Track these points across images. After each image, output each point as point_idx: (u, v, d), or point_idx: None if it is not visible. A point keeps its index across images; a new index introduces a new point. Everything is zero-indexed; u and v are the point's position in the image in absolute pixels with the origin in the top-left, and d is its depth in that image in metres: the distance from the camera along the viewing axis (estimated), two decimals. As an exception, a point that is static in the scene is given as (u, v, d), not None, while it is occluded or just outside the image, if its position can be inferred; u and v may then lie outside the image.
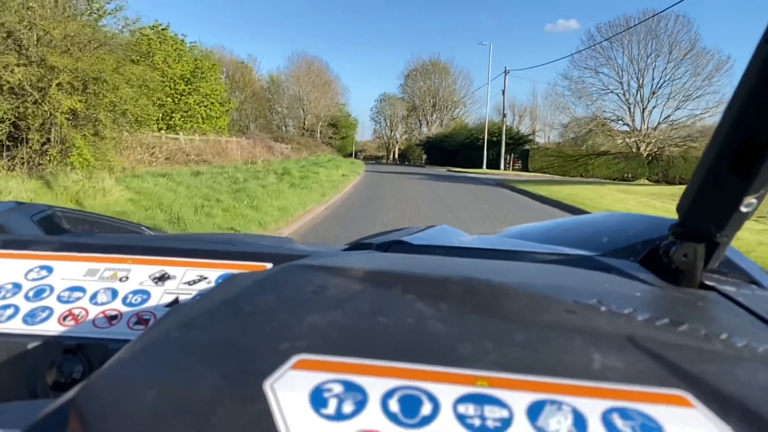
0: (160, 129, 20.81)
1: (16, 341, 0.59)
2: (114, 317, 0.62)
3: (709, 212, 0.45)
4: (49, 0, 9.26)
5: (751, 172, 0.40)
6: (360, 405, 0.28)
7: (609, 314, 0.38)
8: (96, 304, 0.64)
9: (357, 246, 0.77)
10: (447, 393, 0.28)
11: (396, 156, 68.98)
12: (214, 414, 0.26)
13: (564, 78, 43.27)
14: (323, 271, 0.46)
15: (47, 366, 0.58)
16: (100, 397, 0.29)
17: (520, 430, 0.27)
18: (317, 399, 0.28)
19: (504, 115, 42.42)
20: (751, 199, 0.42)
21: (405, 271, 0.46)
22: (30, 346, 0.58)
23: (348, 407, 0.27)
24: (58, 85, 9.00)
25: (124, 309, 0.63)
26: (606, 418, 0.27)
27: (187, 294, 0.65)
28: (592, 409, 0.27)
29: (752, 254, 6.19)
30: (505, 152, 40.56)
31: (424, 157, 59.22)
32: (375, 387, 0.29)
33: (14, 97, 8.59)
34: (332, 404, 0.27)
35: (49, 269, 0.68)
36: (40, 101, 8.87)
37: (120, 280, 0.67)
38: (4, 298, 0.64)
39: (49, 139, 9.28)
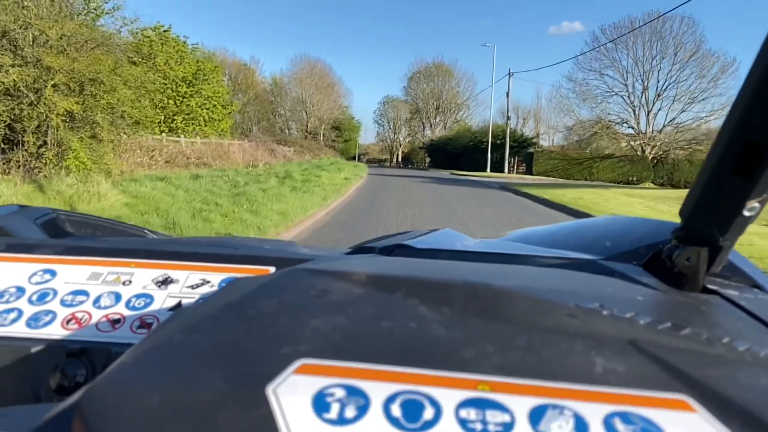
0: (161, 132, 20.70)
1: (20, 345, 0.59)
2: (117, 321, 0.62)
3: (712, 216, 0.46)
4: (45, -1, 9.09)
5: (755, 175, 0.40)
6: (362, 410, 0.28)
7: (611, 318, 0.38)
8: (99, 307, 0.63)
9: (360, 249, 0.77)
10: (449, 397, 0.28)
11: (399, 159, 68.87)
12: (217, 418, 0.27)
13: (568, 80, 43.08)
14: (326, 275, 0.46)
15: (50, 370, 0.58)
16: (104, 401, 0.29)
17: None
18: (320, 403, 0.28)
19: (508, 118, 42.22)
20: (754, 203, 0.42)
21: (408, 275, 0.47)
22: (33, 349, 0.59)
23: (350, 412, 0.27)
24: (53, 86, 8.83)
25: (127, 313, 0.63)
26: (608, 423, 0.27)
27: (190, 298, 0.65)
28: (594, 413, 0.28)
29: (767, 261, 5.97)
30: (509, 155, 40.32)
31: (428, 160, 59.08)
32: (377, 391, 0.29)
33: (9, 98, 8.42)
34: (334, 409, 0.28)
35: (53, 273, 0.68)
36: (35, 103, 8.69)
37: (123, 283, 0.67)
38: (7, 301, 0.63)
39: (45, 142, 9.11)
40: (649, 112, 38.51)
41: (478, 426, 0.27)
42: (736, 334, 0.37)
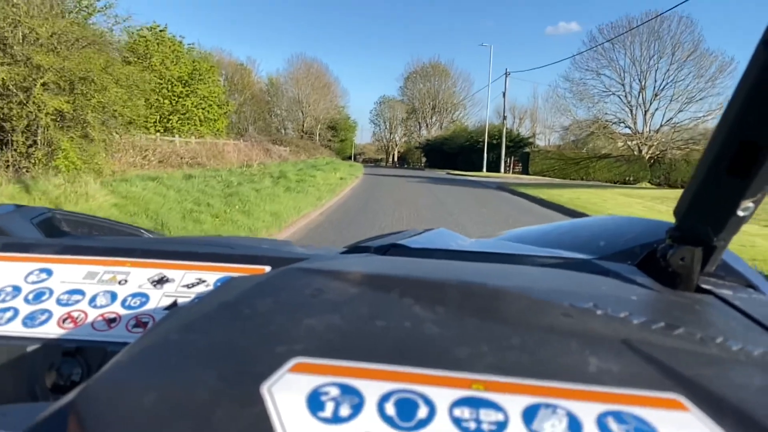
0: (157, 131, 20.56)
1: (16, 344, 0.59)
2: (113, 320, 0.62)
3: (707, 216, 0.46)
4: (34, -3, 8.94)
5: (749, 175, 0.41)
6: (357, 408, 0.28)
7: (605, 318, 0.38)
8: (95, 307, 0.64)
9: (355, 249, 0.77)
10: (443, 396, 0.29)
11: (395, 159, 68.77)
12: (212, 417, 0.27)
13: (565, 80, 42.95)
14: (321, 274, 0.46)
15: (46, 368, 0.58)
16: (99, 400, 0.29)
17: None
18: (314, 402, 0.28)
19: (504, 118, 42.13)
20: (748, 203, 0.42)
21: (402, 274, 0.47)
22: (29, 348, 0.59)
23: (345, 410, 0.27)
24: (43, 84, 8.69)
25: (122, 312, 0.63)
26: (601, 422, 0.27)
27: (185, 297, 0.65)
28: (587, 412, 0.28)
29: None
30: (506, 155, 40.25)
31: (424, 159, 59.01)
32: (371, 390, 0.29)
33: (-2, 97, 8.29)
34: (329, 407, 0.28)
35: (49, 272, 0.68)
36: (24, 102, 8.55)
37: (119, 283, 0.67)
38: (3, 300, 0.64)
39: (35, 142, 8.97)
40: (646, 111, 38.45)
41: (472, 425, 0.27)
42: (730, 334, 0.37)
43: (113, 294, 0.66)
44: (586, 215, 10.13)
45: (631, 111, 39.09)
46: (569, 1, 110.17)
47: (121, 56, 20.33)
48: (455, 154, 46.66)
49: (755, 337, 0.39)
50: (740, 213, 0.43)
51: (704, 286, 0.50)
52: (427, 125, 64.37)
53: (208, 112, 25.58)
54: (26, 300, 0.64)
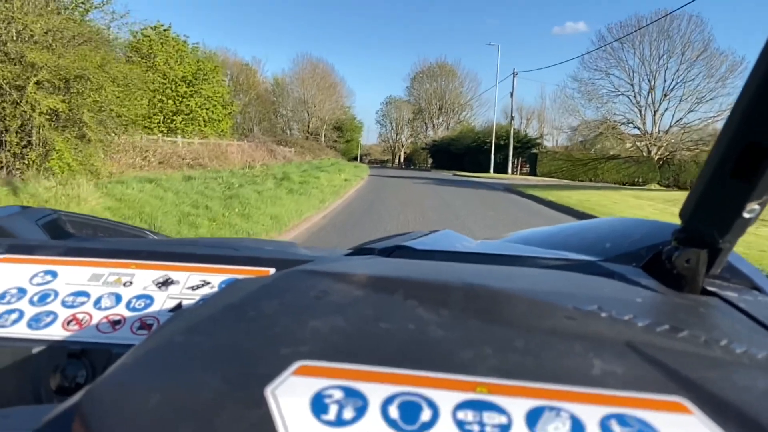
0: (160, 132, 20.39)
1: (21, 345, 0.59)
2: (118, 322, 0.63)
3: (712, 218, 0.46)
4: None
5: (755, 177, 0.41)
6: (360, 411, 0.28)
7: (609, 320, 0.39)
8: (100, 308, 0.64)
9: (360, 251, 0.77)
10: (446, 399, 0.29)
11: (401, 160, 68.52)
12: (216, 419, 0.27)
13: (574, 80, 42.56)
14: (326, 276, 0.47)
15: (51, 370, 0.58)
16: (104, 402, 0.29)
17: None
18: (318, 405, 0.28)
19: (512, 118, 41.78)
20: (754, 205, 0.42)
21: (407, 276, 0.48)
22: (34, 350, 0.59)
23: (348, 413, 0.28)
24: (37, 83, 8.42)
25: (127, 314, 0.64)
26: (604, 425, 0.27)
27: (190, 299, 0.66)
28: (591, 415, 0.28)
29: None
30: (513, 156, 39.90)
31: (430, 160, 58.70)
32: (375, 393, 0.29)
33: (-10, 96, 8.02)
34: (333, 410, 0.28)
35: (54, 274, 0.68)
36: (18, 101, 8.29)
37: (124, 285, 0.68)
38: (9, 302, 0.64)
39: (30, 142, 8.70)
40: (655, 112, 37.97)
41: (476, 428, 0.27)
42: (734, 337, 0.37)
43: (118, 296, 0.66)
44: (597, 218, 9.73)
45: (640, 111, 38.65)
46: (576, 1, 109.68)
47: (125, 55, 20.37)
48: (462, 155, 46.34)
49: (760, 339, 0.39)
50: (746, 215, 0.43)
51: (709, 288, 0.49)
52: (433, 126, 64.09)
53: (212, 112, 25.44)
54: (31, 302, 0.64)
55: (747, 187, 0.41)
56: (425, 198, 14.83)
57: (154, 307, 0.65)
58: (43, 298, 0.65)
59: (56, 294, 0.66)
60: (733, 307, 0.46)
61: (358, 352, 0.33)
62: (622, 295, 0.46)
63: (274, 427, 0.26)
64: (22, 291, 0.66)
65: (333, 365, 0.31)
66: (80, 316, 0.63)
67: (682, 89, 36.84)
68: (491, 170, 38.85)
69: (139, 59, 21.73)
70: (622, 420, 0.27)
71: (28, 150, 8.69)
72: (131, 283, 0.68)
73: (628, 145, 39.45)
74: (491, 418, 0.27)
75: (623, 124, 39.61)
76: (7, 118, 8.23)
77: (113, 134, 10.64)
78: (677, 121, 37.31)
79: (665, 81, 37.45)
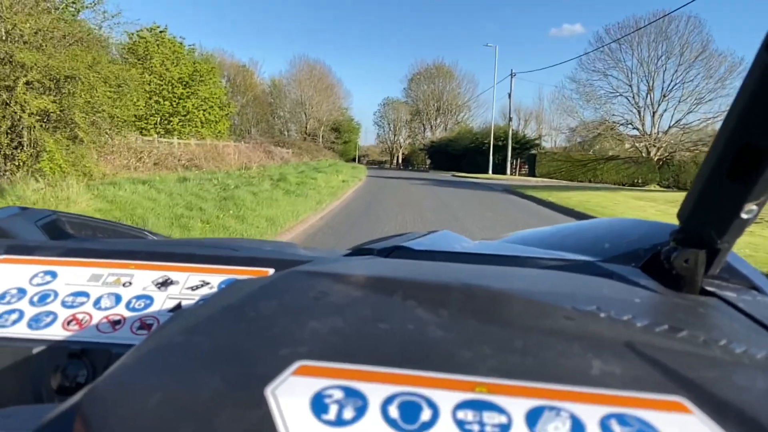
0: (157, 133, 20.24)
1: (21, 346, 0.60)
2: (117, 322, 0.63)
3: (710, 218, 0.46)
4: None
5: (752, 178, 0.41)
6: (360, 411, 0.28)
7: (608, 320, 0.39)
8: (100, 309, 0.64)
9: (359, 251, 0.77)
10: (446, 399, 0.29)
11: (400, 161, 68.39)
12: (216, 419, 0.27)
13: (572, 81, 42.51)
14: (325, 277, 0.47)
15: (52, 370, 0.58)
16: (104, 402, 0.30)
17: None
18: (318, 405, 0.28)
19: (510, 119, 41.66)
20: (751, 206, 0.43)
21: (406, 277, 0.48)
22: (35, 350, 0.60)
23: (348, 413, 0.28)
24: (27, 83, 8.23)
25: (127, 314, 0.64)
26: (604, 424, 0.27)
27: (189, 299, 0.66)
28: (591, 415, 0.28)
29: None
30: (512, 157, 39.76)
31: (428, 161, 58.57)
32: (375, 393, 0.29)
33: (-22, 97, 7.84)
34: (333, 410, 0.28)
35: (54, 274, 0.69)
36: (7, 102, 8.11)
37: (123, 285, 0.68)
38: (9, 303, 0.64)
39: (21, 144, 8.52)
40: (654, 113, 37.85)
41: (475, 427, 0.27)
42: (733, 336, 0.37)
43: (118, 296, 0.66)
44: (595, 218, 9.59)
45: (639, 112, 38.53)
46: (573, 4, 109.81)
47: (121, 57, 20.23)
48: (460, 156, 46.24)
49: (759, 339, 0.39)
50: (744, 216, 0.43)
51: (708, 289, 0.50)
52: (431, 127, 63.97)
53: (209, 113, 25.31)
54: (31, 302, 0.64)
55: (744, 188, 0.41)
56: (423, 199, 14.68)
57: (154, 308, 0.65)
58: (43, 298, 0.65)
59: (56, 294, 0.66)
60: (732, 307, 0.46)
61: (357, 353, 0.33)
62: (621, 296, 0.46)
63: (275, 427, 0.26)
64: (22, 291, 0.66)
65: (333, 365, 0.31)
66: (80, 316, 0.63)
67: (681, 90, 36.76)
68: (490, 171, 38.73)
69: (136, 61, 21.60)
70: (621, 420, 0.28)
71: (19, 151, 8.50)
72: (131, 283, 0.68)
73: (627, 145, 39.34)
74: (491, 418, 0.28)
75: (622, 125, 39.52)
76: (-3, 119, 8.05)
77: (106, 135, 10.44)
78: (676, 122, 37.20)
79: (664, 82, 37.37)
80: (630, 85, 38.46)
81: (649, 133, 38.06)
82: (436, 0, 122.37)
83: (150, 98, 22.03)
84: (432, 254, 0.71)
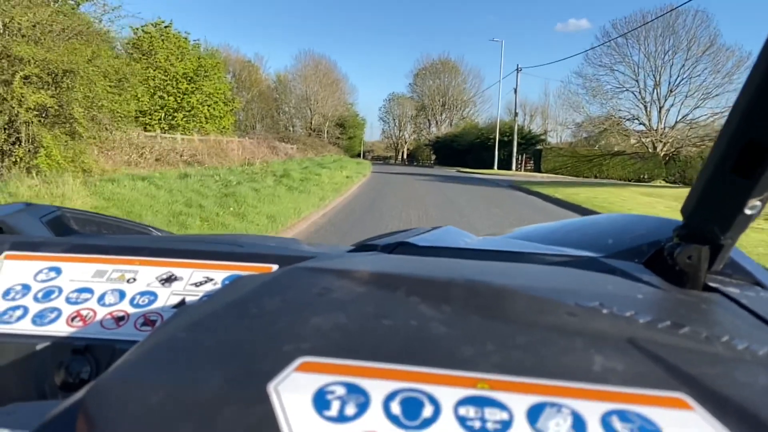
0: (161, 128, 20.14)
1: (26, 342, 0.60)
2: (121, 318, 0.63)
3: (714, 214, 0.46)
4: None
5: (756, 174, 0.41)
6: (362, 407, 0.28)
7: (611, 317, 0.39)
8: (104, 305, 0.65)
9: (362, 247, 0.77)
10: (448, 395, 0.29)
11: (404, 156, 68.16)
12: (219, 415, 0.27)
13: (578, 76, 42.30)
14: (328, 273, 0.47)
15: (56, 366, 0.59)
16: (108, 399, 0.30)
17: None
18: (320, 401, 0.28)
19: (516, 114, 41.39)
20: (755, 202, 0.43)
21: (409, 273, 0.48)
22: (39, 346, 0.60)
23: (350, 409, 0.28)
24: (24, 78, 8.09)
25: (131, 310, 0.64)
26: (605, 421, 0.27)
27: (193, 295, 0.66)
28: (592, 411, 0.28)
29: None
30: (517, 152, 39.51)
31: (433, 157, 58.33)
32: (377, 389, 0.29)
33: (-26, 91, 7.70)
34: (335, 406, 0.28)
35: (58, 271, 0.69)
36: (5, 96, 7.96)
37: (127, 281, 0.68)
38: (13, 299, 0.65)
39: (19, 139, 8.38)
40: (661, 108, 37.56)
41: (477, 424, 0.27)
42: (736, 333, 0.37)
43: (122, 292, 0.66)
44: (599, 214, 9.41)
45: (646, 107, 38.27)
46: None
47: (126, 52, 20.11)
48: (465, 152, 45.99)
49: (761, 335, 0.39)
50: (747, 211, 0.43)
51: (711, 285, 0.49)
52: (436, 122, 63.69)
53: (214, 109, 25.16)
54: (36, 298, 0.65)
55: (748, 184, 0.41)
56: (428, 195, 14.53)
57: (158, 304, 0.65)
58: (48, 294, 0.65)
59: (60, 290, 0.66)
60: (735, 303, 0.46)
61: (360, 349, 0.33)
62: (623, 292, 0.46)
63: (277, 423, 0.27)
64: (26, 288, 0.66)
65: (335, 361, 0.31)
66: (84, 313, 0.63)
67: (688, 85, 36.55)
68: (495, 167, 38.51)
69: (140, 56, 21.49)
70: (623, 416, 0.28)
71: (17, 147, 8.37)
72: (135, 279, 0.68)
73: (633, 141, 39.08)
74: (493, 414, 0.28)
75: (628, 120, 39.28)
76: (-6, 115, 7.92)
77: (106, 130, 10.28)
78: (683, 117, 36.96)
79: (671, 77, 37.14)
80: (636, 80, 38.26)
81: (655, 128, 37.78)
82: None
83: (154, 94, 21.93)
84: (436, 250, 0.71)
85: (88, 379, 0.58)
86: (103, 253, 0.72)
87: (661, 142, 36.95)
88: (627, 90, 38.80)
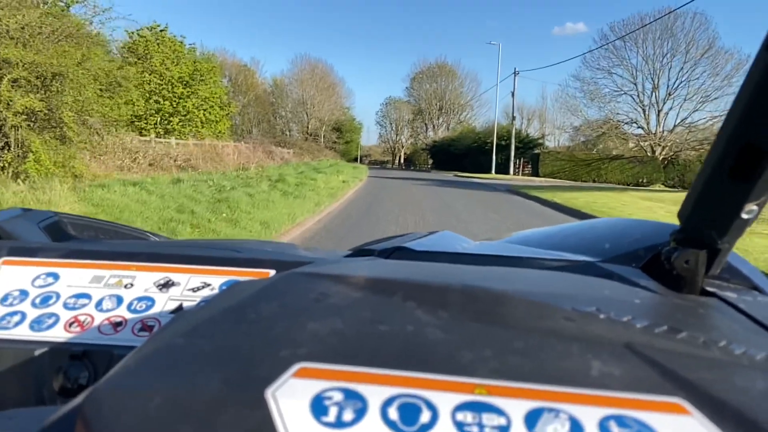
0: (156, 133, 19.95)
1: (23, 348, 0.60)
2: (119, 324, 0.63)
3: (711, 218, 0.46)
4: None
5: (752, 178, 0.41)
6: (360, 413, 0.28)
7: (608, 322, 0.39)
8: (101, 310, 0.65)
9: (359, 252, 0.77)
10: (446, 401, 0.29)
11: (402, 160, 68.08)
12: (217, 421, 0.27)
13: (576, 79, 42.21)
14: (325, 278, 0.47)
15: (53, 372, 0.59)
16: (106, 404, 0.30)
17: None
18: (318, 407, 0.28)
19: (513, 118, 41.27)
20: (752, 206, 0.43)
21: (405, 278, 0.48)
22: (37, 352, 0.60)
23: (348, 415, 0.28)
24: (12, 81, 7.90)
25: (128, 316, 0.65)
26: (603, 426, 0.27)
27: (191, 301, 0.66)
28: (589, 416, 0.28)
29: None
30: (515, 156, 39.37)
31: (431, 161, 58.22)
32: (375, 395, 0.29)
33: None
34: (332, 412, 0.28)
35: (56, 276, 0.69)
36: (-8, 100, 7.78)
37: (125, 287, 0.68)
38: (11, 304, 0.65)
39: (8, 144, 8.19)
40: (659, 111, 37.46)
41: (475, 429, 0.27)
42: (733, 337, 0.37)
43: (119, 298, 0.66)
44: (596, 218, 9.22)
45: (644, 111, 38.16)
46: (576, 2, 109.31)
47: (121, 56, 19.94)
48: (462, 156, 45.89)
49: (758, 340, 0.39)
50: (744, 216, 0.43)
51: (709, 289, 0.50)
52: (433, 126, 63.65)
53: (210, 113, 24.99)
54: (33, 304, 0.65)
55: (745, 188, 0.42)
56: (425, 199, 14.38)
57: (155, 309, 0.65)
58: (45, 300, 0.66)
59: (58, 296, 0.66)
60: (733, 307, 0.46)
61: (357, 354, 0.33)
62: (621, 296, 0.46)
63: (275, 429, 0.27)
64: (24, 293, 0.66)
65: (333, 367, 0.31)
66: (82, 318, 0.63)
67: (687, 88, 36.41)
68: (493, 171, 38.38)
69: (136, 60, 21.33)
70: (620, 421, 0.28)
71: (5, 152, 8.18)
72: (132, 285, 0.68)
73: (632, 145, 38.99)
74: (490, 420, 0.28)
75: (626, 123, 39.15)
76: (-20, 119, 7.73)
77: (98, 135, 10.08)
78: (682, 121, 36.83)
79: (669, 80, 37.03)
80: (635, 83, 38.16)
81: (654, 131, 37.70)
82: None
83: (150, 98, 21.75)
84: (433, 255, 0.70)
85: (86, 384, 0.58)
86: (101, 258, 0.71)
87: (659, 145, 36.86)
88: (625, 93, 38.74)
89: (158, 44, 22.86)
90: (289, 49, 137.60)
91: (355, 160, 58.49)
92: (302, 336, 0.35)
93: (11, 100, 7.77)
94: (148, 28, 22.79)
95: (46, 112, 8.39)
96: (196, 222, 7.14)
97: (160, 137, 19.18)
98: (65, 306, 0.65)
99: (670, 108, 37.29)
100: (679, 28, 35.69)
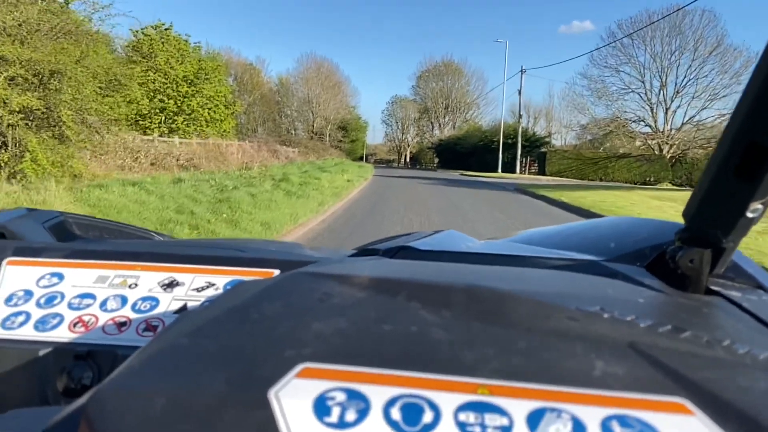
0: (161, 132, 19.83)
1: (28, 348, 0.61)
2: (123, 324, 0.64)
3: (716, 217, 0.46)
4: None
5: (758, 177, 0.41)
6: (362, 413, 0.28)
7: (611, 321, 0.39)
8: (106, 310, 0.65)
9: (364, 251, 0.77)
10: (448, 401, 0.29)
11: (407, 159, 67.84)
12: (220, 421, 0.27)
13: (583, 77, 41.99)
14: (329, 278, 0.47)
15: (58, 372, 0.59)
16: (110, 405, 0.30)
17: None
18: (321, 407, 0.29)
19: (520, 116, 41.00)
20: (757, 205, 0.43)
21: (409, 278, 0.48)
22: (41, 352, 0.61)
23: (351, 415, 0.28)
24: (9, 79, 7.74)
25: (133, 316, 0.65)
26: (605, 426, 0.28)
27: (195, 301, 0.67)
28: (592, 416, 0.28)
29: None
30: (521, 155, 39.07)
31: (436, 160, 57.96)
32: (377, 395, 0.29)
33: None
34: (335, 412, 0.28)
35: (60, 276, 0.69)
36: (-12, 98, 7.62)
37: (129, 287, 0.68)
38: (16, 305, 0.65)
39: (5, 143, 8.03)
40: (667, 109, 37.10)
41: (477, 429, 0.27)
42: (737, 337, 0.37)
43: (124, 298, 0.67)
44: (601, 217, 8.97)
45: (652, 109, 37.81)
46: (583, 0, 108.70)
47: (126, 54, 19.81)
48: (469, 154, 45.61)
49: (762, 339, 0.39)
50: (749, 215, 0.43)
51: (713, 288, 0.49)
52: (439, 125, 63.36)
53: (215, 112, 24.81)
54: (38, 304, 0.65)
55: (750, 187, 0.41)
56: (431, 198, 14.19)
57: (160, 309, 0.65)
58: (50, 300, 0.66)
59: (62, 296, 0.66)
60: (737, 306, 0.46)
61: (360, 354, 0.33)
62: (625, 296, 0.46)
63: (278, 429, 0.27)
64: (28, 293, 0.67)
65: (336, 367, 0.31)
66: (86, 318, 0.64)
67: (695, 86, 36.08)
68: (499, 170, 38.10)
69: (140, 58, 21.20)
70: (623, 421, 0.28)
71: (2, 152, 8.02)
72: (137, 285, 0.68)
73: (639, 143, 38.65)
74: (493, 420, 0.28)
75: (634, 121, 38.84)
76: (-24, 118, 7.57)
77: (97, 134, 9.91)
78: (690, 119, 36.47)
79: (677, 78, 36.68)
80: (642, 81, 37.83)
81: (661, 130, 37.34)
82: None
83: (154, 97, 21.62)
84: (437, 254, 0.70)
85: (90, 384, 0.58)
86: (105, 258, 0.71)
87: (667, 144, 36.52)
88: (633, 91, 38.42)
89: (163, 43, 22.71)
90: (295, 47, 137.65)
91: (361, 159, 58.25)
92: (306, 336, 0.35)
93: (7, 98, 7.60)
94: (152, 27, 22.66)
95: (44, 110, 8.22)
96: (195, 223, 6.96)
97: (165, 136, 19.02)
98: (70, 306, 0.65)
99: (678, 106, 37.01)
100: (687, 26, 35.37)
